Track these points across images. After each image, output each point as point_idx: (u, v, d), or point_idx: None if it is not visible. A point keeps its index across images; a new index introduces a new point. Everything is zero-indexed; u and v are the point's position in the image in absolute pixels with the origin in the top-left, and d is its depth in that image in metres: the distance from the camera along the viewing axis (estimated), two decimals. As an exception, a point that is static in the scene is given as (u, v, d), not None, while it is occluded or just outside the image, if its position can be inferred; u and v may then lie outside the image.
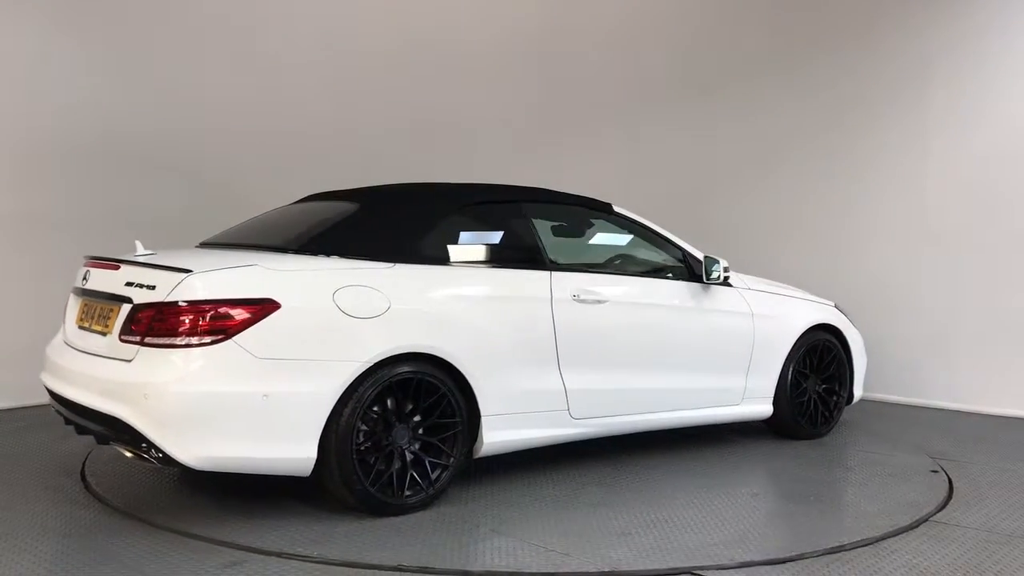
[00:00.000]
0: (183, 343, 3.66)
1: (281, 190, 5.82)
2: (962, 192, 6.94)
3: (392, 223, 4.44)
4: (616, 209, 5.18)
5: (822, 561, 3.59)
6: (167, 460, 3.68)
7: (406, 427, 4.07)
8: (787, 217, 7.73)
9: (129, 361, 3.76)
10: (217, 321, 3.69)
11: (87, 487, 4.49)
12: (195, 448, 3.64)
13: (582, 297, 4.70)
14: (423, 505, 4.11)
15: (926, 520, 4.15)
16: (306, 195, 5.33)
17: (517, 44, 8.65)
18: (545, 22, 8.72)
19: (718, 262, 5.18)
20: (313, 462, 3.82)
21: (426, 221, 4.50)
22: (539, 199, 5.02)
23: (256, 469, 3.83)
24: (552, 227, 5.16)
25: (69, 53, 6.69)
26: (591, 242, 5.35)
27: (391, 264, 4.20)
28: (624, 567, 3.48)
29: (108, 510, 4.14)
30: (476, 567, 3.47)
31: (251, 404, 3.69)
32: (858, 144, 7.40)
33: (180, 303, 3.69)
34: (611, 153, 8.57)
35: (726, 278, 5.24)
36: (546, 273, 4.64)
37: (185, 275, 3.75)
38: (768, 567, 3.53)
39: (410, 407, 4.10)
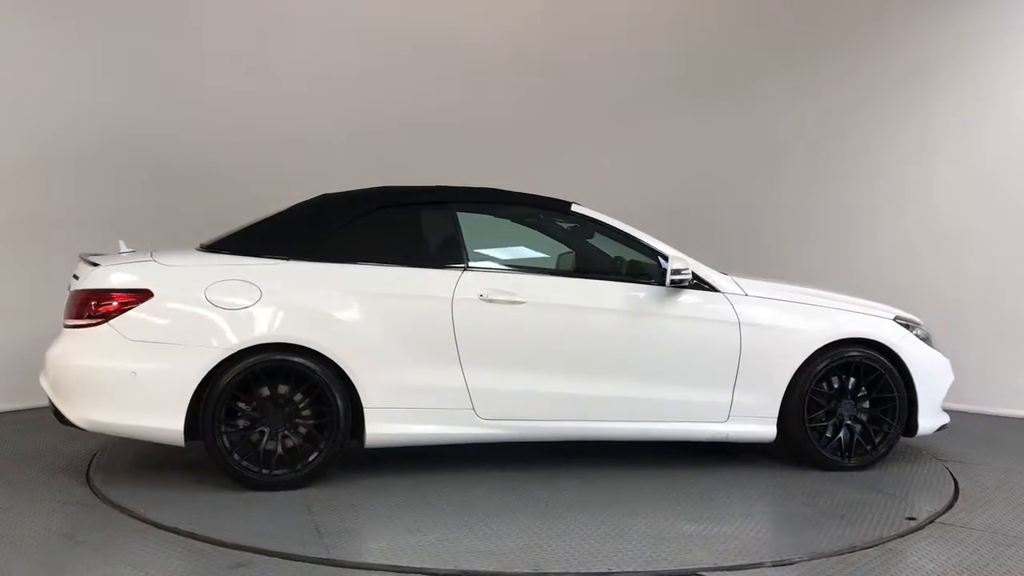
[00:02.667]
0: (79, 324, 4.39)
1: (297, 193, 5.82)
2: (966, 193, 6.93)
3: (300, 224, 4.82)
4: (575, 209, 4.99)
5: (830, 563, 3.59)
6: (65, 420, 4.43)
7: (281, 411, 4.44)
8: (791, 218, 7.72)
9: (58, 339, 4.54)
10: (100, 307, 4.37)
11: (92, 488, 4.49)
12: (79, 412, 4.38)
13: (491, 297, 4.63)
14: (296, 484, 4.42)
15: (932, 522, 4.14)
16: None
17: (520, 47, 8.63)
18: (548, 25, 8.70)
19: (667, 264, 4.76)
20: (181, 434, 4.34)
21: (333, 221, 4.80)
22: (478, 200, 5.06)
23: (133, 435, 4.51)
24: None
25: (78, 58, 6.71)
26: (542, 243, 5.22)
27: (282, 261, 4.59)
28: (344, 558, 3.57)
29: (113, 511, 4.14)
30: (230, 538, 3.70)
31: (121, 378, 4.32)
32: (862, 145, 7.39)
33: (82, 291, 4.42)
34: (615, 155, 8.55)
35: (675, 280, 4.74)
36: (456, 273, 4.67)
37: (92, 268, 4.47)
38: (774, 569, 3.52)
39: (294, 394, 4.48)
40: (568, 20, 8.68)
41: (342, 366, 4.45)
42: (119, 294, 4.39)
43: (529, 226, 5.29)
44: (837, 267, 7.32)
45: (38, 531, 3.88)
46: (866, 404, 5.02)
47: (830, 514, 4.23)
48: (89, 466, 4.88)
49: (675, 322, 4.81)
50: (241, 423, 4.42)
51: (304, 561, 3.53)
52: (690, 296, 4.84)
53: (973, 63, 6.90)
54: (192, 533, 3.80)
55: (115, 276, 4.46)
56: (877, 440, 4.99)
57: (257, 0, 7.63)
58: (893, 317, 5.17)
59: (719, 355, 4.82)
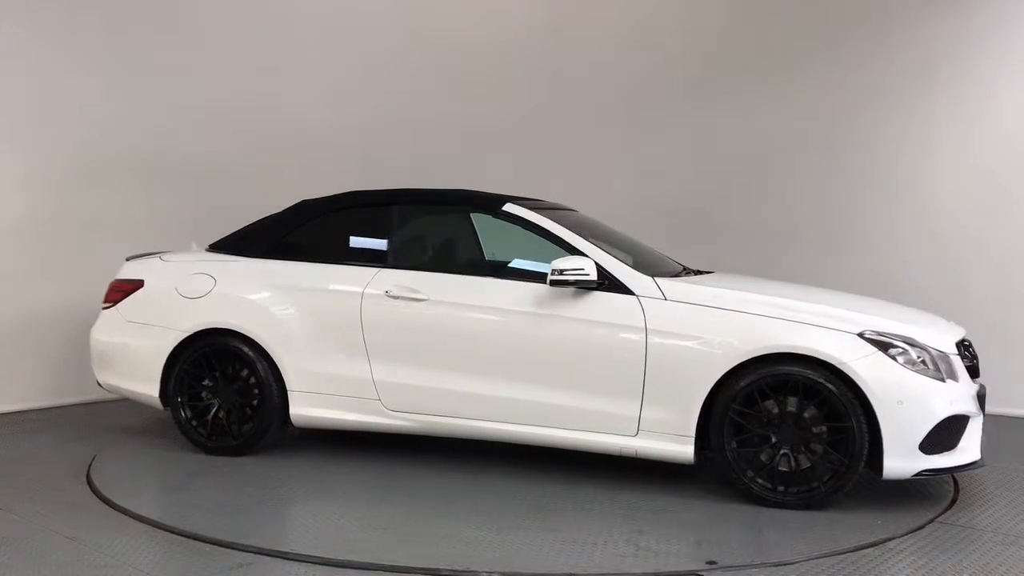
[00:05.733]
0: (104, 307, 5.43)
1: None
2: (966, 192, 6.93)
3: (269, 226, 5.38)
4: (506, 208, 4.92)
5: (829, 563, 3.59)
6: (98, 383, 5.48)
7: (230, 388, 5.08)
8: (790, 217, 7.70)
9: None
10: (114, 293, 5.40)
11: (93, 489, 4.50)
12: (101, 375, 5.43)
13: (395, 294, 4.82)
14: (234, 451, 5.08)
15: (932, 521, 4.14)
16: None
17: (520, 47, 8.63)
18: (548, 25, 8.71)
19: (552, 265, 4.53)
20: (157, 399, 5.18)
21: (292, 223, 5.33)
22: (418, 201, 5.30)
23: (130, 397, 5.40)
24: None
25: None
26: (474, 242, 5.32)
27: (242, 259, 5.25)
28: (157, 518, 4.02)
29: (114, 512, 4.15)
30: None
31: (119, 351, 5.30)
32: (862, 144, 7.38)
33: (112, 280, 5.46)
34: (615, 155, 8.55)
35: (555, 280, 4.49)
36: (372, 270, 4.94)
37: (125, 262, 5.52)
38: (774, 569, 3.52)
39: (240, 374, 5.11)
40: (568, 21, 8.68)
41: (268, 351, 4.97)
42: (125, 283, 5.37)
43: (473, 224, 5.37)
44: (838, 267, 7.32)
45: (39, 532, 3.88)
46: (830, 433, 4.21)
47: (640, 546, 3.78)
48: (90, 467, 4.89)
49: (570, 324, 4.54)
50: (204, 395, 5.14)
51: (305, 562, 3.53)
52: (592, 298, 4.55)
53: (973, 62, 6.90)
54: (193, 533, 3.81)
55: (126, 269, 5.47)
56: (827, 476, 4.21)
57: (264, 11, 7.67)
58: (859, 331, 4.26)
59: (623, 363, 4.45)
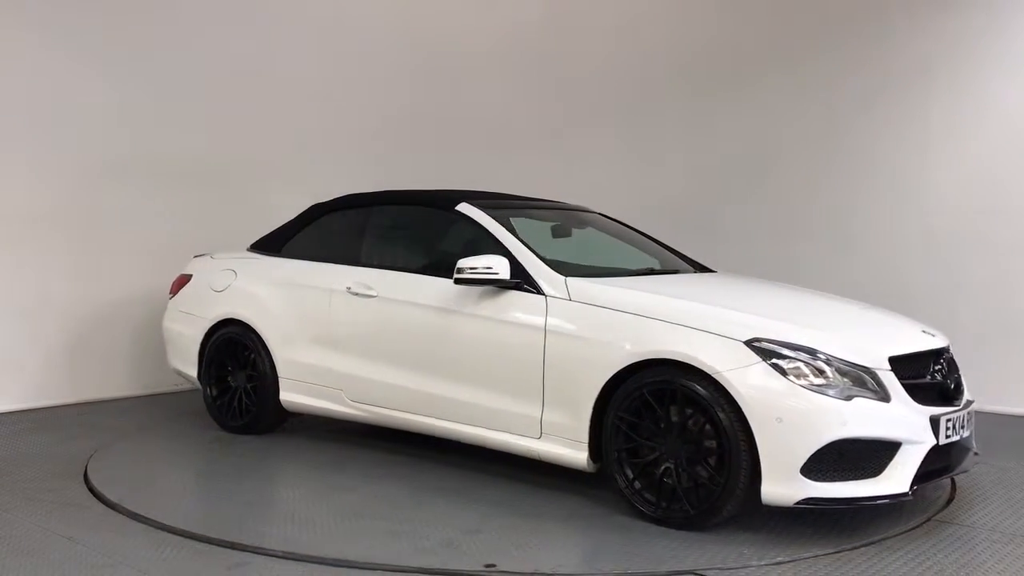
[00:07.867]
0: (170, 299, 6.08)
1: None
2: (965, 191, 6.93)
3: (287, 226, 5.84)
4: (459, 208, 4.92)
5: (825, 561, 3.60)
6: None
7: (242, 373, 5.55)
8: (787, 216, 7.73)
9: None
10: (175, 286, 6.04)
11: (90, 489, 4.50)
12: (169, 359, 6.07)
13: (355, 290, 5.07)
14: (243, 430, 5.58)
15: (929, 520, 4.14)
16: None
17: (518, 46, 8.64)
18: (546, 23, 8.72)
19: (458, 263, 4.48)
20: (196, 380, 5.79)
21: (299, 224, 5.78)
22: (392, 202, 5.53)
23: (186, 379, 5.95)
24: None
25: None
26: (433, 241, 5.41)
27: (261, 257, 5.76)
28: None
29: (111, 512, 4.15)
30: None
31: (176, 337, 5.98)
32: (859, 144, 7.40)
33: (177, 275, 6.08)
34: (615, 154, 8.57)
35: (459, 279, 4.46)
36: (345, 267, 5.22)
37: (193, 259, 6.12)
38: (770, 568, 3.53)
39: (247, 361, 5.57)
40: (567, 21, 8.69)
41: (264, 340, 5.42)
42: (182, 277, 6.03)
43: (436, 223, 5.38)
44: (835, 266, 7.33)
45: (36, 532, 3.88)
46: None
47: (451, 544, 3.71)
48: (87, 466, 4.88)
49: (480, 323, 4.52)
50: (229, 379, 5.64)
51: (303, 561, 3.53)
52: (504, 296, 4.47)
53: (972, 62, 6.91)
54: (190, 532, 3.81)
55: (189, 265, 6.07)
56: (704, 495, 3.83)
57: (264, 13, 7.68)
58: (748, 339, 3.82)
59: (524, 363, 4.35)
